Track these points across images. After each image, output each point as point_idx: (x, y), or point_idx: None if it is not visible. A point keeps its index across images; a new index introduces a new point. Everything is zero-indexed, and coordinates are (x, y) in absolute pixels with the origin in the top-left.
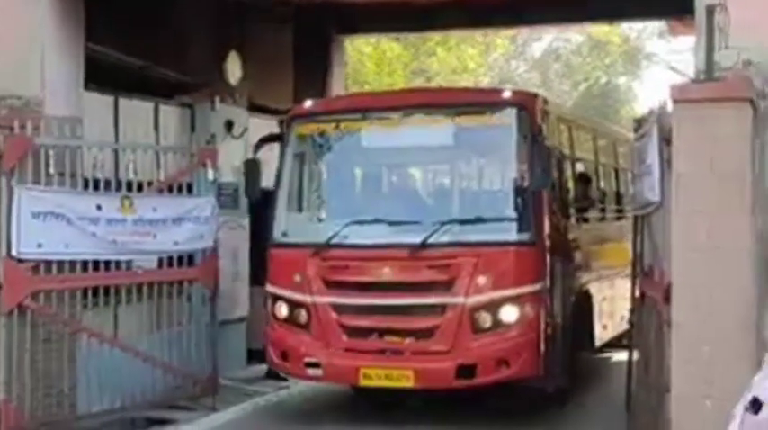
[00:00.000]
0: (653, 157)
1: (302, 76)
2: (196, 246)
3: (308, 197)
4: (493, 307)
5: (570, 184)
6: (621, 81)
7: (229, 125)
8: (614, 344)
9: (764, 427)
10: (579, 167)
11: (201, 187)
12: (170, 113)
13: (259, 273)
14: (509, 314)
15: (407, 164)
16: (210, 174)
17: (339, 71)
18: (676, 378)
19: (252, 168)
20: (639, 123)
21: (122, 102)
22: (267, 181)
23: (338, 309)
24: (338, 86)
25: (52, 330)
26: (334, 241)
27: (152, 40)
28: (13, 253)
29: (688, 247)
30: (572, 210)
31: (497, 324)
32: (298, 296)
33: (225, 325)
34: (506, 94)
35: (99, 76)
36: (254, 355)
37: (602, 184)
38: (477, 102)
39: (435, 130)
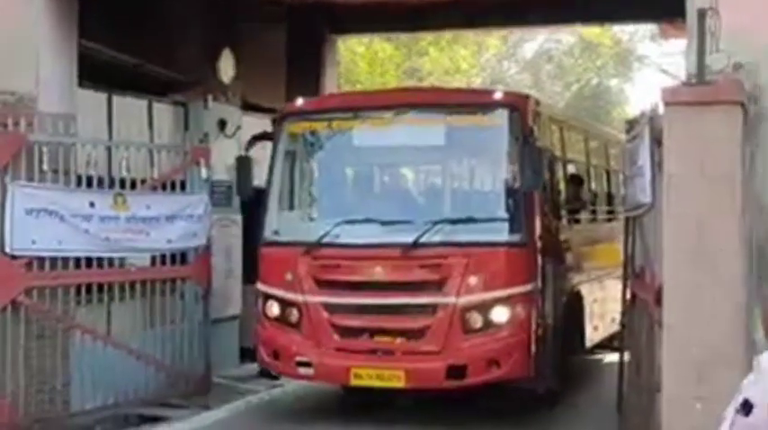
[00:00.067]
0: (644, 159)
1: (295, 75)
2: (189, 244)
3: (300, 196)
4: (484, 307)
5: (562, 185)
6: (613, 83)
7: (222, 124)
8: (605, 345)
9: (755, 429)
10: (571, 168)
11: (195, 185)
12: (163, 111)
13: (252, 272)
14: (500, 314)
15: (399, 163)
16: (204, 173)
17: (332, 71)
18: (667, 379)
19: (244, 165)
20: (631, 125)
21: (116, 99)
22: (260, 179)
23: (329, 308)
24: (331, 86)
25: (45, 327)
26: (326, 240)
27: (145, 38)
28: (7, 249)
29: (679, 249)
30: (563, 211)
31: (488, 324)
32: (289, 295)
33: (218, 323)
34: (498, 95)
35: (93, 73)
36: (247, 354)
37: (593, 186)
38: (469, 102)
39: (427, 130)
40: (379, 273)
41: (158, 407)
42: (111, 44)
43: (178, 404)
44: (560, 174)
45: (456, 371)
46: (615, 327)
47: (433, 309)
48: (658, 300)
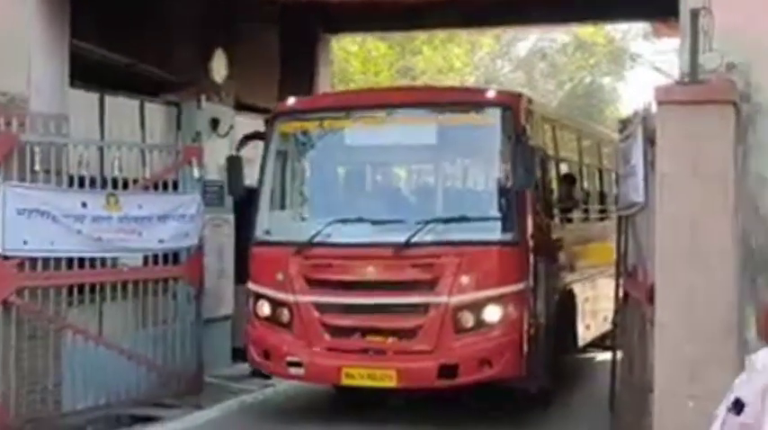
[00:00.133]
0: (637, 158)
1: (288, 74)
2: (181, 244)
3: (291, 195)
4: (476, 306)
5: (554, 184)
6: (606, 81)
7: (215, 123)
8: (597, 344)
9: (746, 428)
10: (563, 167)
11: (187, 185)
12: (156, 111)
13: (244, 271)
14: (492, 314)
15: (391, 162)
16: (196, 172)
17: (325, 70)
18: (659, 378)
19: (234, 165)
20: (624, 124)
21: (108, 99)
22: (252, 179)
23: (321, 308)
24: (324, 85)
25: (37, 327)
26: (317, 240)
27: (138, 37)
28: None
29: (672, 248)
30: (556, 210)
31: (480, 324)
32: (280, 295)
33: (210, 323)
34: (491, 94)
35: (85, 73)
36: (240, 353)
37: (585, 184)
38: (462, 101)
39: (419, 129)
40: (370, 272)
41: (150, 406)
42: (103, 44)
43: (170, 404)
44: (553, 172)
45: (448, 371)
46: (607, 326)
47: (424, 308)
48: (651, 299)
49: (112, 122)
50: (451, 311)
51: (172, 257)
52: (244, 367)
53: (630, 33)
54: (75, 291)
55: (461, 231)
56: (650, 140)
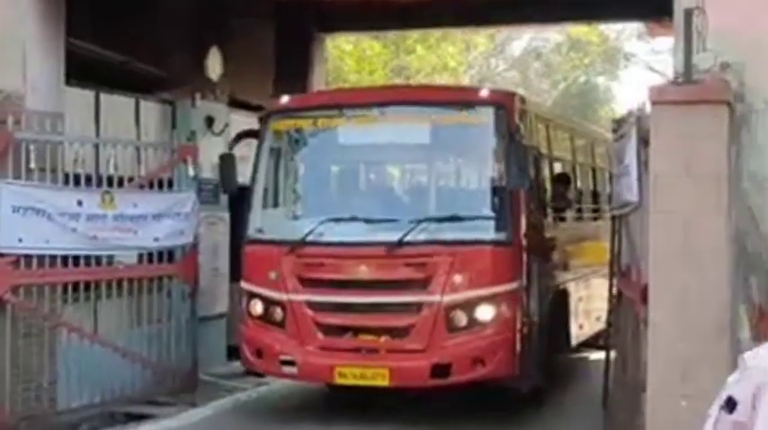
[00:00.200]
0: (631, 158)
1: (283, 73)
2: (176, 242)
3: (284, 193)
4: (469, 306)
5: (548, 183)
6: (600, 81)
7: (210, 121)
8: (590, 343)
9: (739, 427)
10: (557, 166)
11: (182, 183)
12: (151, 109)
13: (239, 269)
14: (485, 313)
15: (384, 161)
16: (191, 171)
17: (320, 68)
18: (652, 377)
19: (227, 163)
20: (618, 124)
21: (103, 97)
22: (246, 177)
23: (313, 306)
24: (319, 84)
25: (32, 325)
26: (310, 238)
27: (133, 35)
28: None
29: (665, 248)
30: (549, 210)
31: (473, 323)
32: (273, 293)
33: (205, 321)
34: (484, 93)
35: (80, 71)
36: (234, 352)
37: (579, 184)
38: (455, 100)
39: (413, 128)
40: (363, 271)
41: (145, 404)
42: (98, 42)
43: (165, 402)
44: (546, 172)
45: (441, 370)
46: (600, 326)
47: (417, 307)
48: (644, 298)
49: (108, 120)
50: (444, 310)
51: (167, 255)
52: (238, 365)
53: (625, 33)
54: (70, 288)
55: (454, 230)
56: (644, 140)
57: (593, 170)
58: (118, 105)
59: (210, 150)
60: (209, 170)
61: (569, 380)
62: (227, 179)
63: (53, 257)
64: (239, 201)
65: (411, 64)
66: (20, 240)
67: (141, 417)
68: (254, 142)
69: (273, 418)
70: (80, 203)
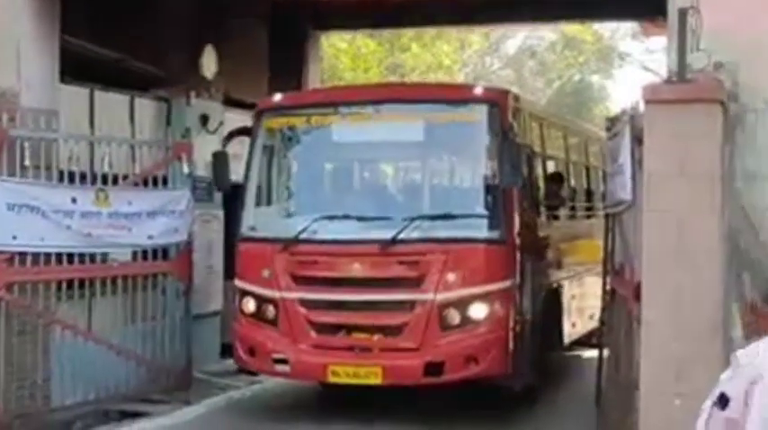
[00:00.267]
0: (625, 157)
1: (278, 71)
2: (170, 240)
3: (277, 191)
4: (462, 304)
5: (541, 182)
6: (594, 79)
7: (205, 119)
8: (583, 342)
9: (731, 423)
10: (551, 164)
11: (176, 181)
12: (146, 107)
13: (233, 267)
14: (478, 311)
15: (378, 159)
16: (185, 168)
17: (315, 67)
18: (645, 375)
19: (220, 160)
20: (612, 122)
21: (98, 94)
22: (240, 175)
23: (306, 304)
24: (314, 82)
25: (26, 322)
26: (303, 236)
27: (128, 33)
28: None
29: (658, 246)
30: (543, 208)
31: (466, 321)
32: (266, 291)
33: (199, 318)
34: (477, 91)
35: (75, 68)
36: (228, 349)
37: (573, 182)
38: (449, 98)
39: (406, 126)
40: (356, 269)
41: (139, 402)
42: (93, 39)
43: (159, 399)
44: (540, 170)
45: (433, 368)
46: (594, 324)
47: (410, 305)
48: (637, 296)
49: (102, 118)
50: (437, 308)
51: (161, 253)
52: (232, 363)
53: (619, 32)
54: (65, 286)
55: (448, 228)
56: (638, 139)
57: (587, 168)
58: (113, 103)
59: (205, 148)
60: (203, 168)
61: (562, 378)
62: (220, 177)
63: (47, 255)
64: (233, 198)
65: (406, 62)
66: (14, 237)
67: (135, 415)
68: (247, 140)
69: (267, 416)
70: (74, 201)
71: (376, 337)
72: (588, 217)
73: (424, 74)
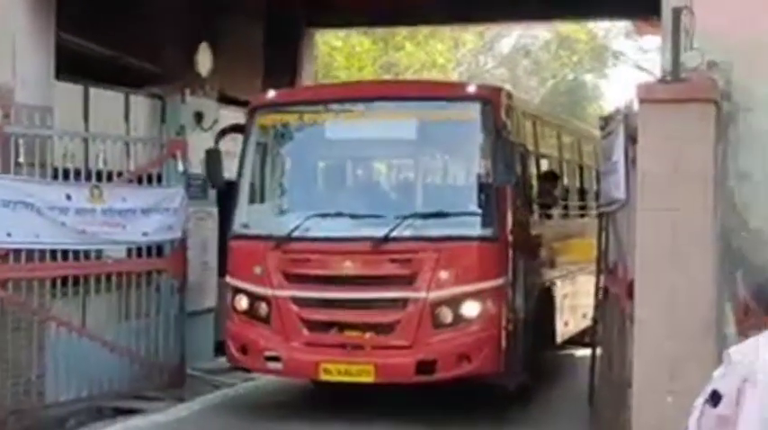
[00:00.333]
0: (618, 156)
1: (272, 69)
2: (165, 237)
3: (270, 189)
4: (454, 302)
5: (534, 180)
6: (588, 79)
7: (199, 117)
8: (576, 341)
9: (723, 420)
10: (544, 163)
11: (171, 178)
12: (140, 104)
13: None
14: (470, 309)
15: (371, 156)
16: (180, 166)
17: (309, 65)
18: (638, 374)
19: (213, 158)
20: (606, 121)
21: (92, 91)
22: (233, 172)
23: (299, 302)
24: (308, 80)
25: (21, 319)
26: (296, 234)
27: (123, 30)
28: None
29: (652, 245)
30: (536, 206)
31: (458, 319)
32: (258, 289)
33: (193, 316)
34: (471, 88)
35: (70, 65)
36: (222, 347)
37: (566, 181)
38: (442, 95)
39: (399, 124)
40: (349, 267)
41: (133, 399)
42: (88, 36)
43: (153, 396)
44: (533, 168)
45: (426, 366)
46: (586, 323)
47: (403, 303)
48: (630, 295)
49: (97, 115)
50: (430, 307)
51: (155, 250)
52: (226, 360)
53: (613, 31)
54: (59, 283)
55: (440, 226)
56: (632, 138)
57: (581, 167)
58: (107, 100)
59: (199, 146)
60: (198, 165)
61: (555, 377)
62: (213, 174)
63: (42, 252)
64: (228, 196)
65: (400, 60)
66: (9, 234)
67: (129, 412)
68: (241, 137)
69: (260, 414)
70: (69, 198)
71: (368, 335)
72: (581, 216)
73: (418, 72)
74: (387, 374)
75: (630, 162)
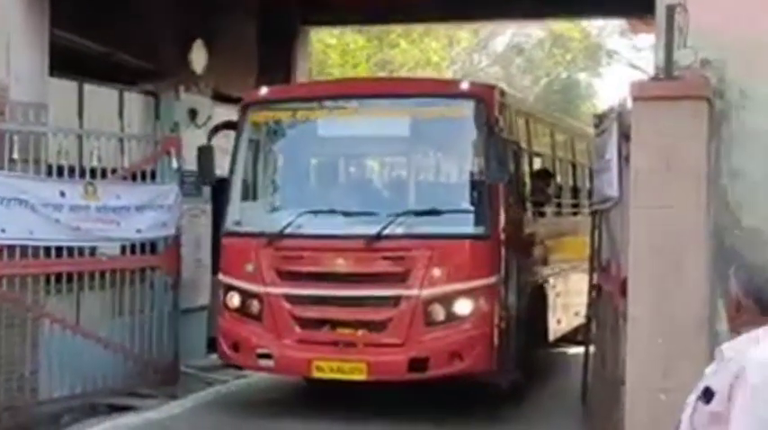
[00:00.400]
0: (612, 153)
1: (267, 66)
2: (159, 234)
3: (263, 186)
4: (447, 300)
5: (528, 178)
6: (582, 77)
7: (193, 114)
8: (569, 339)
9: (715, 417)
10: (537, 161)
11: (165, 175)
12: (134, 101)
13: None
14: (463, 307)
15: (363, 154)
16: (174, 163)
17: (303, 62)
18: (631, 371)
19: (206, 155)
20: (600, 119)
21: (87, 88)
22: (224, 169)
23: (291, 299)
24: (302, 77)
25: (15, 315)
26: (288, 231)
27: (118, 27)
28: None
29: (645, 243)
30: (529, 204)
31: (451, 317)
32: (250, 286)
33: (187, 313)
34: (463, 86)
35: (64, 62)
36: (215, 344)
37: (559, 179)
38: (435, 93)
39: (392, 121)
40: (341, 264)
41: (127, 396)
42: (82, 33)
43: (146, 393)
44: (526, 166)
45: (418, 364)
46: (579, 320)
47: (395, 301)
48: (623, 292)
49: (91, 112)
50: (422, 304)
51: (149, 247)
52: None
53: (607, 30)
54: (53, 279)
55: (433, 224)
56: (625, 135)
57: (574, 165)
58: (101, 97)
59: (193, 143)
60: (192, 162)
61: (548, 374)
62: (205, 171)
63: (36, 248)
64: (222, 193)
65: (395, 58)
66: (3, 231)
67: (123, 409)
68: (234, 134)
69: (253, 411)
70: (63, 194)
71: (360, 333)
72: (575, 213)
73: (412, 70)
74: (379, 372)
75: (624, 160)
